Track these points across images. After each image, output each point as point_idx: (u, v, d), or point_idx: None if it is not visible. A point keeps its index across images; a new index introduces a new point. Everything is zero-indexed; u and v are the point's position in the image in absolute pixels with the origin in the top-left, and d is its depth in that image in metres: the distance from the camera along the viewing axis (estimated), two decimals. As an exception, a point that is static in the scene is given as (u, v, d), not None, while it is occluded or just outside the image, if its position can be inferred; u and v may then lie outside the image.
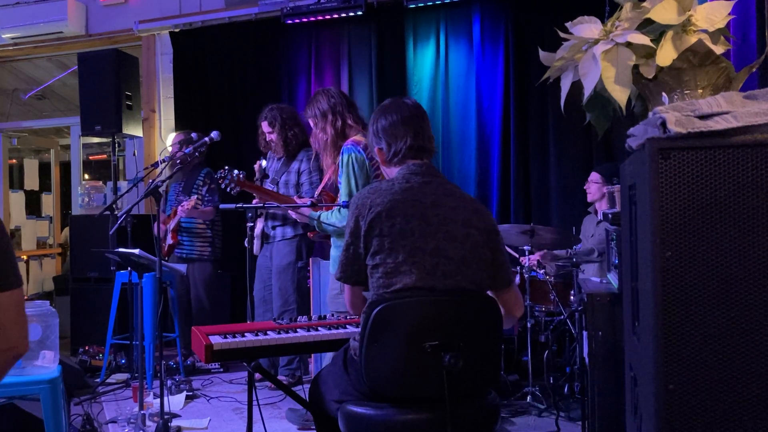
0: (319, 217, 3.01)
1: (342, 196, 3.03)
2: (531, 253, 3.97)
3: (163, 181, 3.37)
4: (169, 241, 4.70)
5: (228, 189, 3.32)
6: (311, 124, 3.34)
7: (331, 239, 3.13)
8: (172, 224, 4.70)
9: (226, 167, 3.30)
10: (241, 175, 3.33)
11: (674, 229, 1.19)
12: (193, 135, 4.11)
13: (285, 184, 4.14)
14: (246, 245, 3.49)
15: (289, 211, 3.33)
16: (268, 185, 4.09)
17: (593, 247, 3.96)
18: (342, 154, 3.07)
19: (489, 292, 2.05)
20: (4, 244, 1.44)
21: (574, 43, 1.55)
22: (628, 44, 1.43)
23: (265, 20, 5.49)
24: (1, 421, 2.80)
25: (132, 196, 5.10)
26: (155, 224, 3.46)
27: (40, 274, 7.73)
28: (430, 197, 1.97)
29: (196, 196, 4.56)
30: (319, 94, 3.33)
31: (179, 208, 4.51)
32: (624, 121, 1.64)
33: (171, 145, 4.85)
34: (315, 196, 3.39)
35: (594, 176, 4.10)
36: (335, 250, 3.09)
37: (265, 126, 4.15)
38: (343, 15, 5.20)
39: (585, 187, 4.16)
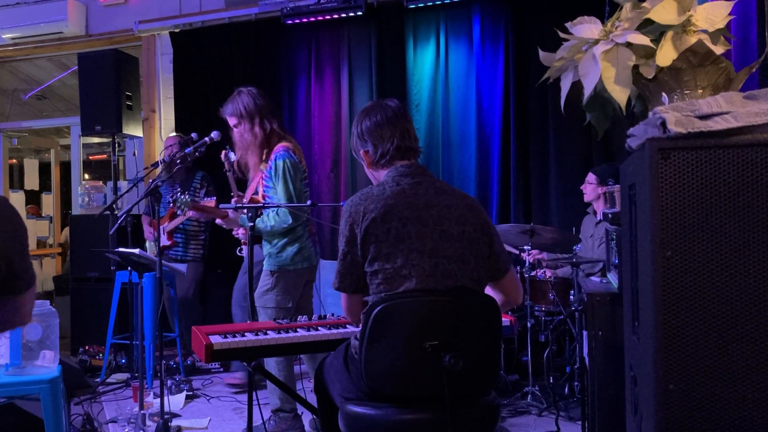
0: (255, 224, 3.00)
1: (282, 200, 3.15)
2: (532, 249, 3.96)
3: (163, 181, 3.37)
4: (165, 242, 4.69)
5: (178, 212, 3.34)
6: (231, 122, 3.34)
7: (263, 241, 3.31)
8: (169, 226, 4.70)
9: (178, 190, 3.31)
10: (188, 198, 3.31)
11: (674, 229, 1.19)
12: (193, 135, 4.11)
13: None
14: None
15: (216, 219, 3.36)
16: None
17: (600, 260, 3.90)
18: (275, 160, 3.18)
19: (488, 285, 2.05)
20: (22, 243, 1.49)
21: (574, 43, 1.55)
22: (628, 44, 1.43)
23: (265, 20, 5.49)
24: (1, 421, 2.80)
25: (132, 196, 5.10)
26: (145, 224, 3.46)
27: (40, 274, 7.73)
28: (423, 198, 1.97)
29: (215, 198, 4.58)
30: (244, 94, 3.31)
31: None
32: (624, 121, 1.64)
33: (165, 148, 4.84)
34: (245, 200, 3.37)
35: (589, 177, 4.09)
36: (268, 245, 3.28)
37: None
38: (343, 15, 5.19)
39: (582, 188, 4.16)
